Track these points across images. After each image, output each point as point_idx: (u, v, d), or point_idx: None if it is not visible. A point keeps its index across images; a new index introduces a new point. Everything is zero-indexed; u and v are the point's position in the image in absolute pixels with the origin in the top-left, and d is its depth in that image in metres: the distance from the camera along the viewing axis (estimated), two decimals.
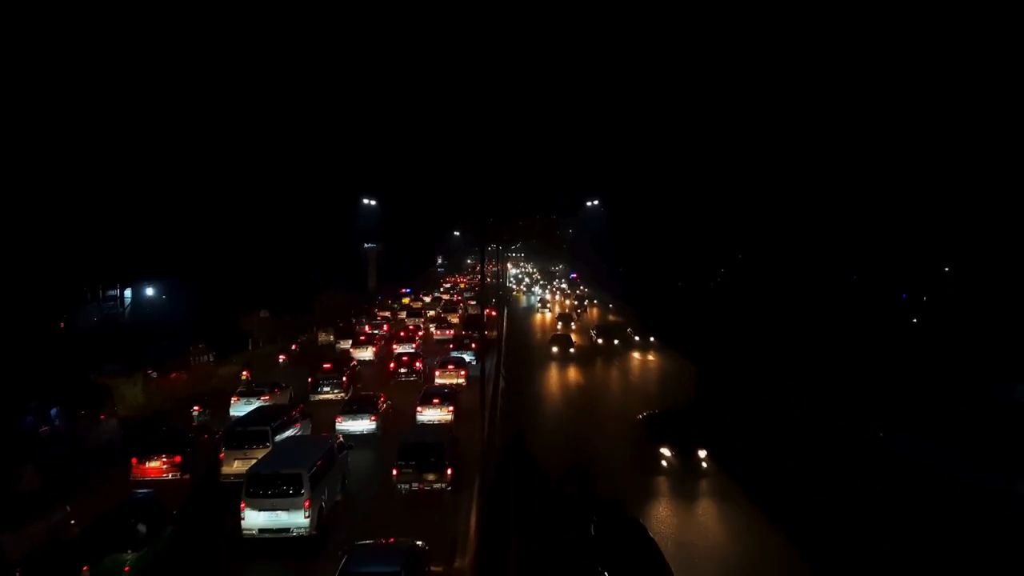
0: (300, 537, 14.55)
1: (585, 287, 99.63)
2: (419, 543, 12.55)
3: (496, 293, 65.06)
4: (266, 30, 71.68)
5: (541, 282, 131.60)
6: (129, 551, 12.26)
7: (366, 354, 37.89)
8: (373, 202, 73.81)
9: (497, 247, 74.42)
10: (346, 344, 40.54)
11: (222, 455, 18.93)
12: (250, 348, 45.20)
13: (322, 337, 45.01)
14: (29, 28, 35.04)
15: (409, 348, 38.53)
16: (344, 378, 28.83)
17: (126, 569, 12.04)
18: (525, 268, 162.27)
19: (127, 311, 43.61)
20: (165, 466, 18.38)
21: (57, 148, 36.19)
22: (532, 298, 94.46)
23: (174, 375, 30.49)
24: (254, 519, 14.63)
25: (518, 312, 71.93)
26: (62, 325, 37.41)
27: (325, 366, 30.27)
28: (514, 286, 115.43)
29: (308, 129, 70.57)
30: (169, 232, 43.20)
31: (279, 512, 14.60)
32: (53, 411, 22.64)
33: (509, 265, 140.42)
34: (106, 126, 39.67)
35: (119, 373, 26.37)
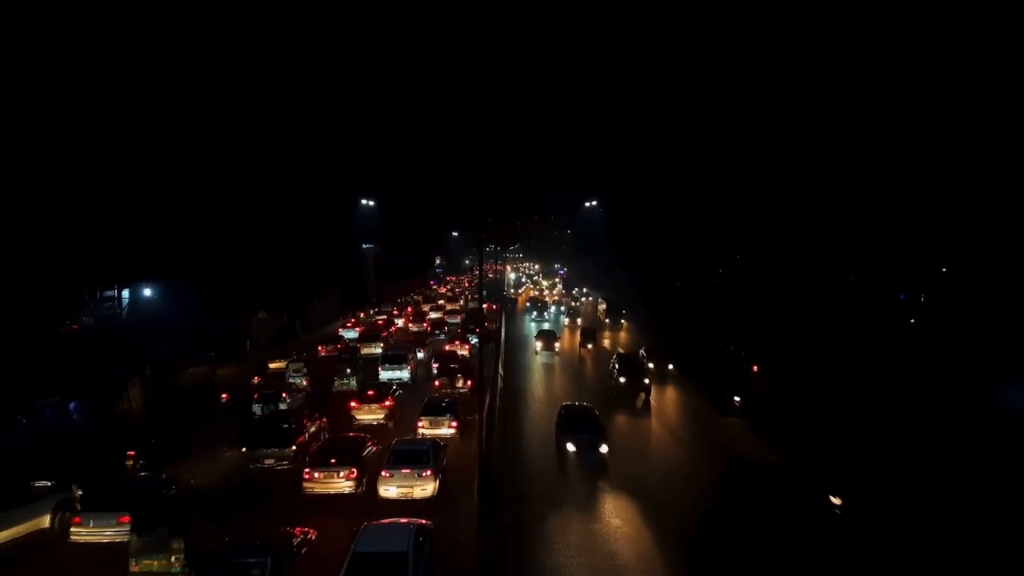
0: (406, 383, 31.91)
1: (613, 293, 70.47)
2: (425, 521, 14.09)
3: (499, 294, 66.88)
4: (264, 30, 71.61)
5: (555, 289, 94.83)
6: (348, 379, 31.64)
7: (399, 322, 59.06)
8: (371, 203, 73.81)
9: (496, 248, 74.42)
10: (380, 317, 60.63)
11: (359, 346, 41.55)
12: (248, 349, 45.22)
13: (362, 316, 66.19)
14: (28, 27, 35.03)
15: (421, 327, 53.72)
16: (392, 329, 52.71)
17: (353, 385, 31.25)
18: (528, 271, 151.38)
19: (125, 312, 43.51)
20: (333, 350, 42.34)
21: (55, 149, 36.17)
22: (533, 324, 57.75)
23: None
24: (384, 374, 32.67)
25: (517, 367, 38.80)
26: (75, 327, 37.88)
27: (379, 321, 56.62)
28: (513, 291, 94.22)
29: (306, 130, 70.44)
30: (167, 233, 43.11)
31: (396, 371, 32.98)
32: (72, 405, 23.90)
33: (508, 267, 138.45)
34: (104, 126, 39.62)
35: (134, 375, 30.14)
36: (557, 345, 42.06)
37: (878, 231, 46.10)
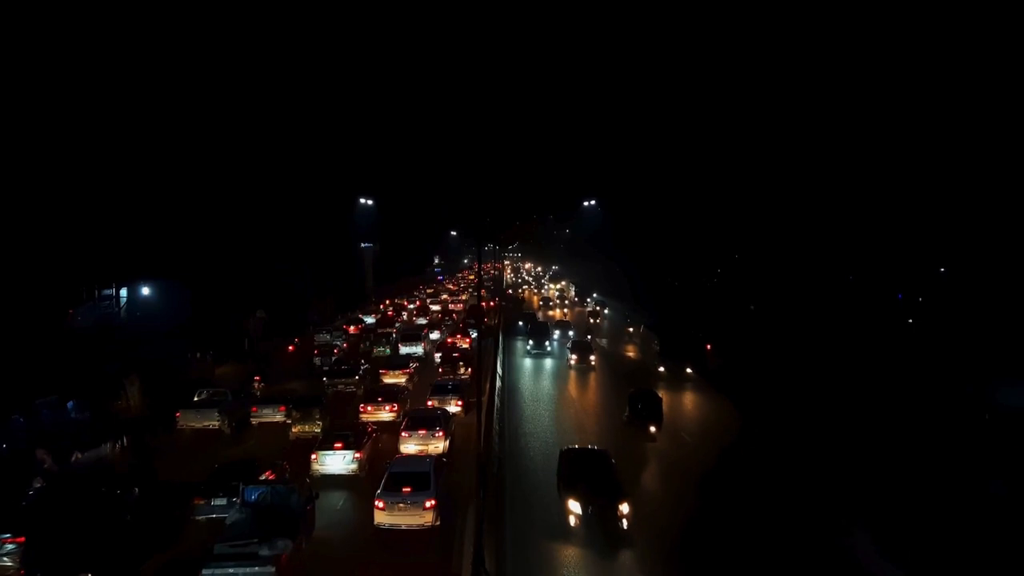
0: (420, 357, 39.11)
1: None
2: (443, 459, 19.45)
3: (499, 291, 67.28)
4: (262, 30, 71.60)
5: (566, 296, 78.05)
6: (384, 347, 42.89)
7: (404, 314, 65.05)
8: (370, 202, 73.72)
9: (494, 247, 74.38)
10: (390, 310, 67.68)
11: (379, 329, 50.78)
12: (247, 348, 45.15)
13: (383, 306, 72.45)
14: (28, 26, 34.96)
15: (423, 320, 59.99)
16: (400, 319, 60.32)
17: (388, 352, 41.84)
18: (533, 271, 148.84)
19: (123, 311, 43.36)
20: (356, 329, 52.81)
21: (54, 148, 36.09)
22: (529, 361, 40.66)
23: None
24: (403, 348, 40.73)
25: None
26: (69, 321, 37.65)
27: (390, 313, 63.87)
28: (513, 291, 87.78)
29: (305, 129, 70.40)
30: (166, 232, 43.03)
31: (412, 347, 40.80)
32: (69, 404, 24.77)
33: (506, 263, 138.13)
34: (103, 125, 39.54)
35: (132, 373, 30.81)
36: (626, 509, 15.49)
37: (877, 231, 46.15)
